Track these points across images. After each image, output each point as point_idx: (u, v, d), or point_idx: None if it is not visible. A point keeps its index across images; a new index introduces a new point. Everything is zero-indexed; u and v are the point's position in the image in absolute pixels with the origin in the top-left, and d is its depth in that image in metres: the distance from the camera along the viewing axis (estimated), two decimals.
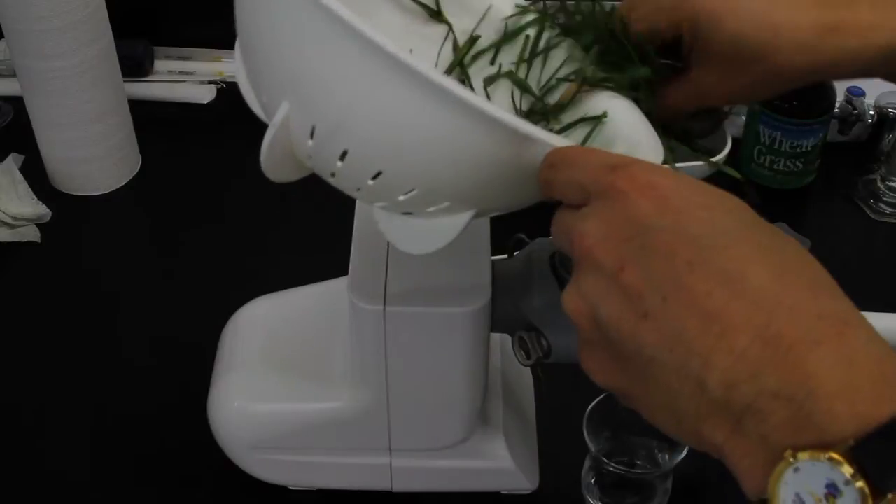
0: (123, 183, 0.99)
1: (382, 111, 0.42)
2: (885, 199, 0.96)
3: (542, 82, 0.60)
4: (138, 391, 0.80)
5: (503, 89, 0.60)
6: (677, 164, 0.77)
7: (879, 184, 0.97)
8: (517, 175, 0.45)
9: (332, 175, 0.46)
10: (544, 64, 0.60)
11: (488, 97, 0.60)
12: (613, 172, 0.41)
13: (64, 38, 0.88)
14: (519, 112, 0.59)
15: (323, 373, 0.68)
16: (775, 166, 0.95)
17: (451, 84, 0.41)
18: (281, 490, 0.72)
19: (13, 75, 0.98)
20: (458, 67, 0.61)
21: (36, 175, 0.97)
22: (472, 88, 0.60)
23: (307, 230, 0.93)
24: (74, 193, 0.98)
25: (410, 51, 0.60)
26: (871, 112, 0.99)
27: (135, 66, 1.07)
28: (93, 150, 0.95)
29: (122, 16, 0.95)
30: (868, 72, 0.59)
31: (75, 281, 0.90)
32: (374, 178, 0.45)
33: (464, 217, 0.48)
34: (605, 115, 0.56)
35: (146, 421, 0.77)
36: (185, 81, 1.10)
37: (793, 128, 0.93)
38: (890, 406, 0.34)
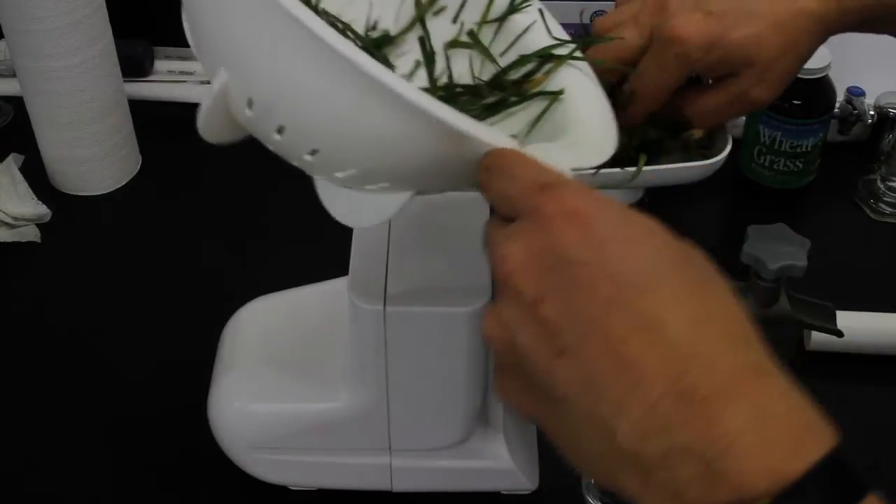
0: (123, 183, 0.99)
1: (314, 95, 0.41)
2: (885, 199, 0.96)
3: (508, 43, 0.58)
4: (138, 391, 0.80)
5: (463, 51, 0.59)
6: (678, 165, 0.77)
7: (879, 184, 0.97)
8: (458, 164, 0.44)
9: (272, 144, 0.46)
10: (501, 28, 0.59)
11: (447, 59, 0.60)
12: (542, 193, 0.40)
13: (64, 38, 0.88)
14: (476, 79, 0.58)
15: (323, 373, 0.68)
16: (775, 166, 0.95)
17: (384, 74, 0.39)
18: (281, 490, 0.72)
19: (13, 75, 0.98)
20: (420, 24, 0.60)
21: (36, 175, 0.97)
22: (432, 49, 0.59)
23: (307, 230, 0.93)
24: (74, 193, 0.98)
25: (371, 5, 0.60)
26: (871, 112, 0.99)
27: (135, 66, 1.07)
28: (93, 150, 0.95)
29: (122, 16, 0.95)
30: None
31: (75, 281, 0.90)
32: (312, 154, 0.44)
33: (404, 196, 0.47)
34: (562, 92, 0.55)
35: (146, 421, 0.77)
36: (185, 81, 1.10)
37: (793, 128, 0.93)
38: (804, 460, 0.34)
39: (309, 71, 0.41)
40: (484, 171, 0.43)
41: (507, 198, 0.41)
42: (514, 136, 0.54)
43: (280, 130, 0.44)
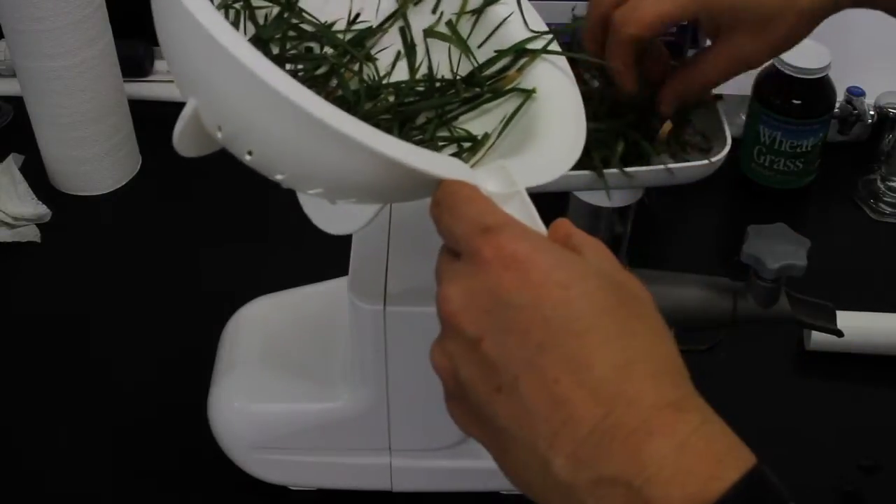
0: (123, 183, 0.99)
1: (272, 132, 0.43)
2: (885, 199, 0.96)
3: (487, 34, 0.59)
4: (138, 391, 0.80)
5: (444, 43, 0.60)
6: (678, 165, 0.77)
7: (879, 184, 0.97)
8: (420, 186, 0.45)
9: (245, 162, 0.47)
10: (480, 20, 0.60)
11: (427, 49, 0.60)
12: (483, 236, 0.41)
13: (64, 38, 0.88)
14: (455, 73, 0.59)
15: (323, 373, 0.68)
16: (775, 166, 0.95)
17: (332, 116, 0.41)
18: (281, 490, 0.72)
19: (13, 75, 0.98)
20: (402, 17, 0.60)
21: (36, 175, 0.97)
22: (412, 40, 0.60)
23: (307, 230, 0.93)
24: (74, 193, 0.98)
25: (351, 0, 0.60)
26: (871, 112, 0.99)
27: (135, 66, 1.07)
28: (93, 150, 0.95)
29: (122, 16, 0.95)
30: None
31: (75, 281, 0.90)
32: (281, 174, 0.45)
33: (374, 207, 0.49)
34: (534, 90, 0.55)
35: (146, 421, 0.77)
36: None
37: (793, 128, 0.93)
38: (720, 484, 0.37)
39: (263, 113, 0.42)
40: (434, 206, 0.44)
41: (453, 236, 0.43)
42: (483, 137, 0.55)
43: (250, 153, 0.45)
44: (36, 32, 0.87)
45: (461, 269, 0.42)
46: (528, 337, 0.39)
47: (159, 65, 1.12)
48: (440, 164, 0.44)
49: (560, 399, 0.39)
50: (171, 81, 1.09)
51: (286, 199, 0.95)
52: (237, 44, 0.40)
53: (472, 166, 0.46)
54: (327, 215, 0.52)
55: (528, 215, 0.44)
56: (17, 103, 1.02)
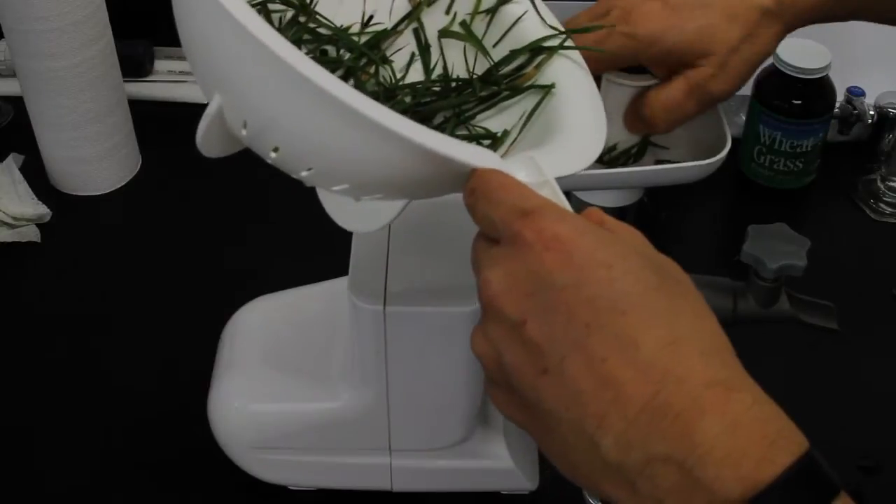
0: (123, 183, 0.99)
1: (302, 123, 0.42)
2: (885, 199, 0.96)
3: (501, 33, 0.59)
4: (138, 391, 0.80)
5: (458, 43, 0.60)
6: (678, 165, 0.77)
7: (879, 184, 0.97)
8: (447, 178, 0.45)
9: (269, 160, 0.47)
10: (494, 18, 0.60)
11: (441, 51, 0.60)
12: (523, 219, 0.41)
13: (64, 38, 0.88)
14: (471, 73, 0.59)
15: (323, 373, 0.68)
16: (775, 166, 0.95)
17: (364, 105, 0.40)
18: (281, 490, 0.72)
19: (13, 75, 0.98)
20: (416, 18, 0.61)
21: (36, 175, 0.97)
22: (427, 41, 0.60)
23: (307, 230, 0.93)
24: (74, 193, 0.98)
25: (364, 1, 0.60)
26: (871, 112, 0.99)
27: (135, 66, 1.07)
28: (93, 150, 0.95)
29: (122, 16, 0.95)
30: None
31: (75, 281, 0.90)
32: (307, 170, 0.45)
33: (399, 203, 0.49)
34: (552, 86, 0.55)
35: (146, 421, 0.77)
36: (185, 81, 1.10)
37: (793, 128, 0.93)
38: (772, 467, 0.37)
39: (294, 104, 0.42)
40: (469, 195, 0.44)
41: (491, 222, 0.43)
42: (503, 134, 0.55)
43: (275, 150, 0.44)
44: (36, 32, 0.87)
45: (501, 253, 0.42)
46: (573, 317, 0.39)
47: (159, 65, 1.12)
48: (471, 153, 0.44)
49: (608, 378, 0.38)
50: (172, 81, 1.10)
51: (286, 200, 0.95)
52: (266, 32, 0.40)
53: None
54: (350, 213, 0.51)
55: (560, 203, 0.44)
56: (17, 103, 1.02)
